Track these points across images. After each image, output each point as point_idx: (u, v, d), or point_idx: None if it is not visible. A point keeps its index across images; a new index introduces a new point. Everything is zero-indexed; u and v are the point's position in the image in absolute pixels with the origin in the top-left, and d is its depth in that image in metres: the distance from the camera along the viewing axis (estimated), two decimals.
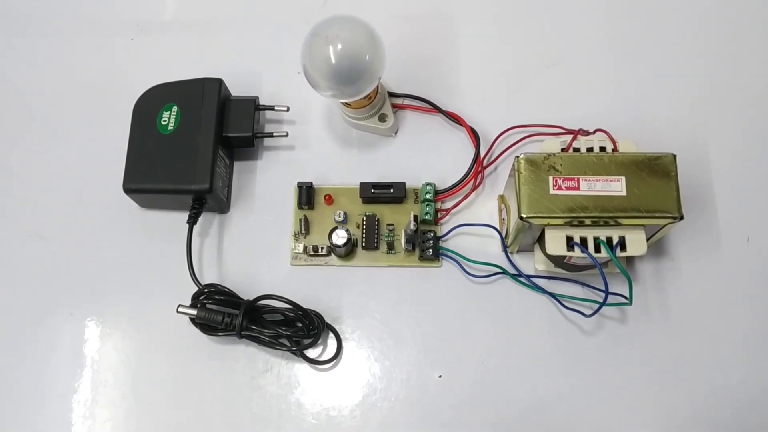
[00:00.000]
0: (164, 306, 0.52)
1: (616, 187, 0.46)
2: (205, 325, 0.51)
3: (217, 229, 0.56)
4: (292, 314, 0.51)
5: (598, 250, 0.46)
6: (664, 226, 0.47)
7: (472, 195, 0.55)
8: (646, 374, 0.51)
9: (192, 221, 0.53)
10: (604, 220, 0.46)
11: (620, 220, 0.46)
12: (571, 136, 0.50)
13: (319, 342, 0.52)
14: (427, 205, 0.54)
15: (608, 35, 0.60)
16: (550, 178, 0.46)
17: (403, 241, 0.53)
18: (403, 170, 0.56)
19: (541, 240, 0.50)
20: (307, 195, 0.55)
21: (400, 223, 0.54)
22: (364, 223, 0.54)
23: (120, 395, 0.52)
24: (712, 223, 0.54)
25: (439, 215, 0.55)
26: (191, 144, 0.53)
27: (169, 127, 0.53)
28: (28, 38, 0.62)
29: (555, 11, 0.61)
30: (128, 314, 0.54)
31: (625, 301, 0.49)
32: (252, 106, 0.56)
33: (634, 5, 0.61)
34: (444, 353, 0.52)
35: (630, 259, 0.53)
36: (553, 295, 0.52)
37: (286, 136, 0.57)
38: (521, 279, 0.53)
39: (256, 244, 0.55)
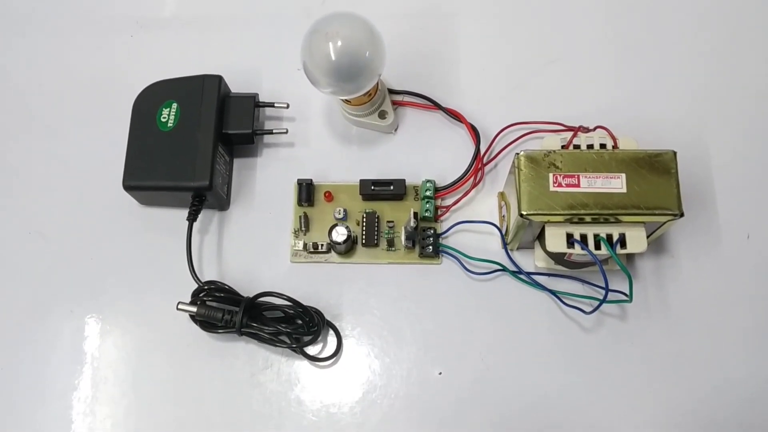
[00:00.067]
0: (164, 303, 0.52)
1: (616, 184, 0.46)
2: (205, 323, 0.51)
3: (216, 226, 0.56)
4: (292, 311, 0.51)
5: (598, 247, 0.46)
6: (665, 223, 0.47)
7: (472, 192, 0.55)
8: (646, 371, 0.51)
9: (192, 218, 0.53)
10: (605, 217, 0.46)
11: (620, 217, 0.46)
12: (571, 133, 0.50)
13: (319, 339, 0.52)
14: (427, 202, 0.54)
15: (608, 32, 0.60)
16: (551, 175, 0.46)
17: (403, 238, 0.53)
18: (403, 167, 0.56)
19: (541, 237, 0.50)
20: (307, 192, 0.55)
21: (400, 220, 0.54)
22: (364, 220, 0.54)
23: (120, 392, 0.52)
24: (712, 220, 0.54)
25: (439, 212, 0.55)
26: (191, 141, 0.53)
27: (169, 124, 0.53)
28: (28, 36, 0.62)
29: (555, 8, 0.61)
30: (128, 311, 0.54)
31: (625, 298, 0.49)
32: (252, 103, 0.56)
33: (635, 2, 0.61)
34: (444, 350, 0.52)
35: (630, 256, 0.53)
36: (553, 292, 0.52)
37: (286, 133, 0.57)
38: (521, 276, 0.53)
39: (256, 241, 0.55)
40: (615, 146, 0.49)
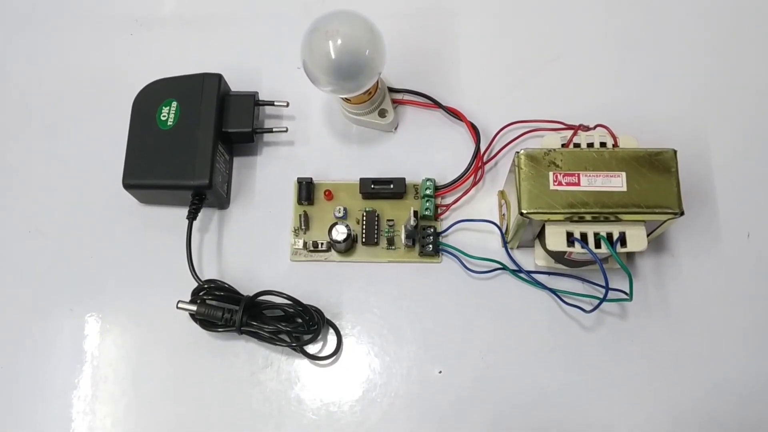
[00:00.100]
0: (164, 302, 0.52)
1: (616, 182, 0.46)
2: (205, 321, 0.51)
3: (216, 224, 0.56)
4: (292, 310, 0.51)
5: (598, 245, 0.46)
6: (665, 221, 0.47)
7: (472, 191, 0.55)
8: (646, 370, 0.51)
9: (192, 217, 0.53)
10: (605, 215, 0.46)
11: (620, 216, 0.46)
12: (571, 132, 0.50)
13: (319, 338, 0.52)
14: (427, 200, 0.54)
15: (609, 30, 0.60)
16: (551, 173, 0.46)
17: (403, 236, 0.53)
18: (403, 166, 0.56)
19: (541, 236, 0.50)
20: (306, 190, 0.55)
21: (400, 219, 0.54)
22: (364, 218, 0.54)
23: (120, 391, 0.52)
24: (712, 218, 0.54)
25: (439, 211, 0.55)
26: (191, 139, 0.53)
27: (169, 123, 0.53)
28: (27, 34, 0.62)
29: (555, 7, 0.61)
30: (128, 310, 0.54)
31: (625, 296, 0.48)
32: (251, 102, 0.56)
33: (635, 0, 0.60)
34: (444, 349, 0.52)
35: (630, 255, 0.53)
36: (553, 291, 0.52)
37: (286, 131, 0.57)
38: (521, 275, 0.52)
39: (255, 240, 0.55)
40: (615, 145, 0.49)
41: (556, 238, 0.47)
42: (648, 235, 0.47)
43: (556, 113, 0.55)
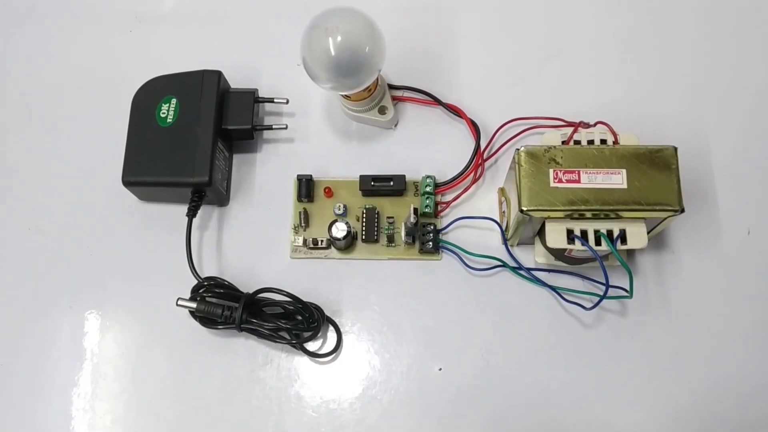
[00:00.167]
0: (164, 299, 0.52)
1: (616, 179, 0.46)
2: (205, 318, 0.51)
3: (216, 222, 0.56)
4: (291, 307, 0.51)
5: (598, 243, 0.46)
6: (665, 219, 0.47)
7: (473, 188, 0.55)
8: (647, 367, 0.51)
9: (191, 214, 0.53)
10: (605, 212, 0.46)
11: (621, 213, 0.46)
12: (571, 129, 0.50)
13: (318, 335, 0.52)
14: (427, 197, 0.54)
15: (609, 27, 0.60)
16: (551, 170, 0.46)
17: (403, 234, 0.53)
18: (403, 163, 0.56)
19: (541, 233, 0.50)
20: (306, 188, 0.55)
21: (400, 216, 0.54)
22: (364, 215, 0.54)
23: (120, 388, 0.52)
24: (712, 215, 0.54)
25: (439, 208, 0.55)
26: (190, 136, 0.53)
27: (168, 120, 0.53)
28: (27, 31, 0.62)
29: (556, 3, 0.61)
30: (128, 307, 0.54)
31: (625, 294, 0.48)
32: (251, 99, 0.56)
33: None
34: (444, 346, 0.52)
35: (630, 252, 0.53)
36: (554, 288, 0.52)
37: (286, 128, 0.57)
38: (521, 272, 0.52)
39: (255, 237, 0.55)
40: (615, 142, 0.49)
41: (556, 235, 0.47)
42: (648, 233, 0.47)
43: (557, 110, 0.55)
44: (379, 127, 0.57)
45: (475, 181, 0.55)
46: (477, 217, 0.54)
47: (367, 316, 0.53)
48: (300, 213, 0.54)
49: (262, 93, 0.57)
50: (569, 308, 0.52)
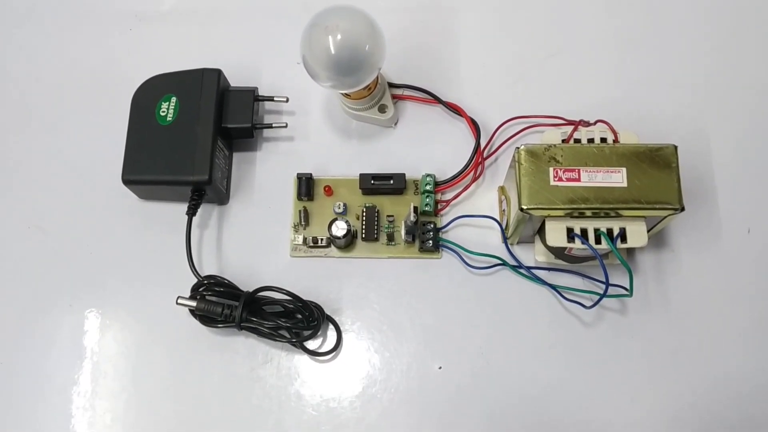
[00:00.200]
0: (164, 297, 0.52)
1: (616, 178, 0.46)
2: (205, 317, 0.51)
3: (216, 220, 0.56)
4: (291, 306, 0.51)
5: (598, 241, 0.46)
6: (665, 217, 0.47)
7: (473, 186, 0.55)
8: (646, 365, 0.51)
9: (191, 212, 0.53)
10: (605, 211, 0.46)
11: (621, 212, 0.46)
12: (571, 127, 0.50)
13: (318, 333, 0.52)
14: (427, 196, 0.54)
15: (610, 25, 0.60)
16: (551, 169, 0.46)
17: (403, 232, 0.53)
18: (403, 161, 0.56)
19: (541, 231, 0.50)
20: (306, 186, 0.55)
21: (400, 215, 0.54)
22: (364, 214, 0.54)
23: (120, 386, 0.52)
24: (712, 214, 0.54)
25: (439, 206, 0.55)
26: (190, 135, 0.53)
27: (168, 118, 0.53)
28: (26, 29, 0.62)
29: (556, 1, 0.60)
30: (128, 306, 0.54)
31: (625, 292, 0.48)
32: (251, 97, 0.56)
33: None
34: (444, 345, 0.52)
35: (630, 251, 0.53)
36: (554, 287, 0.52)
37: (286, 126, 0.57)
38: (521, 270, 0.52)
39: (255, 236, 0.55)
40: (616, 140, 0.49)
41: (556, 233, 0.46)
42: (648, 231, 0.47)
43: (557, 109, 0.54)
44: (379, 126, 0.57)
45: (475, 179, 0.55)
46: (477, 216, 0.54)
47: (367, 315, 0.53)
48: (300, 211, 0.54)
49: (262, 91, 0.57)
50: (569, 307, 0.52)
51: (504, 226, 0.53)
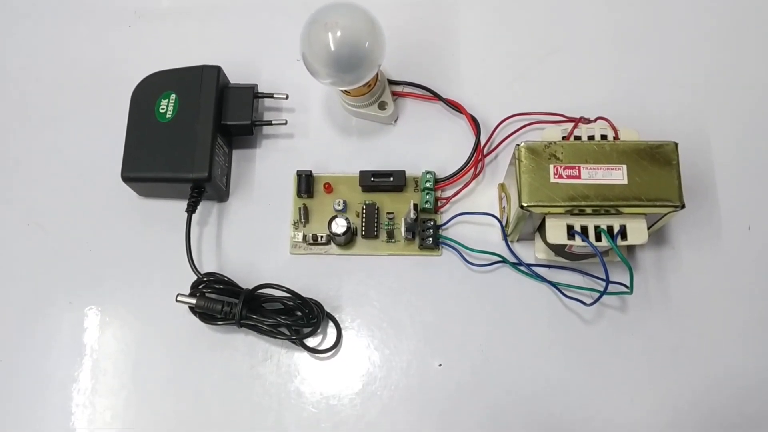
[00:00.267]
0: (163, 295, 0.51)
1: (617, 175, 0.46)
2: (205, 314, 0.51)
3: (216, 217, 0.56)
4: (291, 303, 0.51)
5: (598, 238, 0.46)
6: (666, 214, 0.47)
7: (473, 183, 0.55)
8: (646, 363, 0.51)
9: (191, 210, 0.53)
10: (605, 208, 0.46)
11: (621, 209, 0.46)
12: (572, 124, 0.50)
13: (318, 331, 0.52)
14: (427, 193, 0.54)
15: (610, 22, 0.59)
16: (551, 166, 0.46)
17: (402, 229, 0.53)
18: (402, 158, 0.56)
19: (541, 228, 0.50)
20: (306, 183, 0.55)
21: (399, 212, 0.54)
22: (364, 211, 0.54)
23: (119, 384, 0.52)
24: (713, 211, 0.54)
25: (439, 204, 0.55)
26: (190, 132, 0.53)
27: (168, 115, 0.53)
28: (26, 26, 0.62)
29: None
30: (127, 303, 0.54)
31: (625, 289, 0.48)
32: (251, 94, 0.55)
33: None
34: (444, 342, 0.52)
35: (631, 248, 0.53)
36: (554, 284, 0.52)
37: (285, 124, 0.57)
38: (521, 268, 0.52)
39: (255, 233, 0.55)
40: (616, 137, 0.49)
41: (556, 231, 0.46)
42: (648, 228, 0.47)
43: (557, 106, 0.54)
44: (379, 123, 0.57)
45: (475, 176, 0.55)
46: (477, 213, 0.54)
47: (367, 312, 0.53)
48: (300, 209, 0.54)
49: (262, 88, 0.57)
50: (569, 304, 0.52)
51: (504, 224, 0.53)
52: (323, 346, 0.52)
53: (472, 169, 0.55)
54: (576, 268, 0.52)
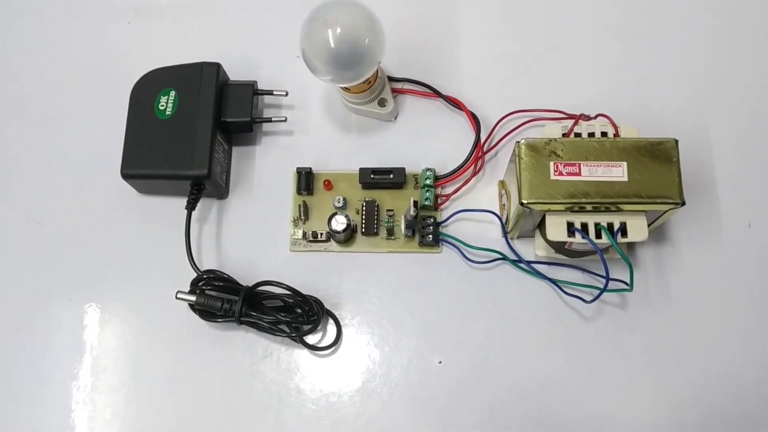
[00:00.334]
0: (163, 292, 0.51)
1: (617, 172, 0.46)
2: (205, 312, 0.51)
3: (215, 214, 0.56)
4: (291, 300, 0.51)
5: (599, 236, 0.46)
6: (666, 211, 0.47)
7: (473, 180, 0.55)
8: (646, 360, 0.51)
9: (190, 207, 0.53)
10: (605, 205, 0.46)
11: (621, 206, 0.46)
12: (572, 121, 0.50)
13: (318, 328, 0.52)
14: (427, 190, 0.54)
15: (610, 19, 0.59)
16: (551, 163, 0.46)
17: (402, 226, 0.53)
18: (402, 155, 0.56)
19: (541, 226, 0.50)
20: (306, 180, 0.55)
21: (399, 209, 0.54)
22: (364, 208, 0.54)
23: (119, 381, 0.52)
24: (713, 208, 0.54)
25: (439, 201, 0.54)
26: (189, 129, 0.52)
27: (167, 112, 0.53)
28: (25, 23, 0.61)
29: None
30: (127, 300, 0.54)
31: (625, 287, 0.48)
32: (250, 91, 0.55)
33: None
34: (444, 339, 0.52)
35: (631, 245, 0.53)
36: (554, 281, 0.52)
37: (285, 121, 0.56)
38: (521, 265, 0.52)
39: (255, 230, 0.55)
40: (616, 134, 0.49)
41: (556, 228, 0.46)
42: (649, 225, 0.47)
43: (557, 103, 0.54)
44: (379, 120, 0.57)
45: (475, 173, 0.55)
46: (477, 210, 0.54)
47: (367, 309, 0.53)
48: (299, 206, 0.54)
49: (262, 85, 0.57)
50: (569, 301, 0.52)
51: (504, 221, 0.53)
52: (323, 344, 0.52)
53: (472, 166, 0.55)
54: (576, 265, 0.52)
